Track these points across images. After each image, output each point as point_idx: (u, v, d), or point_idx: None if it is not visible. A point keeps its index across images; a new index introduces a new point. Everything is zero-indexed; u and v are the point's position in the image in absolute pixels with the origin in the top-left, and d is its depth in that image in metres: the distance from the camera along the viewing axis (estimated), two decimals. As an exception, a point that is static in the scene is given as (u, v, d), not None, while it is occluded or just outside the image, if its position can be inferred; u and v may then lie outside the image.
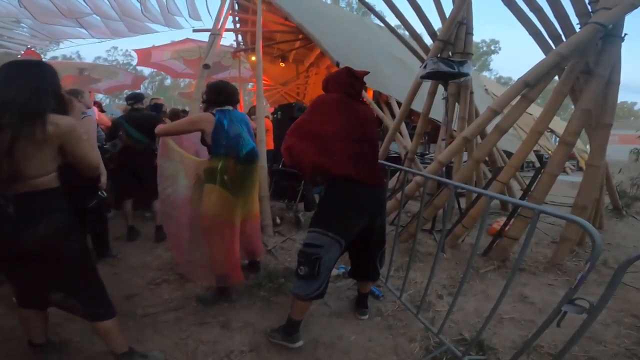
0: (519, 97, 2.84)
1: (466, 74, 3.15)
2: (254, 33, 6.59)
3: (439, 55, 3.58)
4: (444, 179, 2.29)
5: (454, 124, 3.85)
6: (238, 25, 8.16)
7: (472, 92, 3.72)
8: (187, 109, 6.25)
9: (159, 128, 2.16)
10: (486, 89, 9.91)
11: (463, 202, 4.01)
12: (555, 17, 3.05)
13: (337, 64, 5.56)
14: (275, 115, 5.66)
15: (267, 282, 2.40)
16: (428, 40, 4.39)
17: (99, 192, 2.78)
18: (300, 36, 7.42)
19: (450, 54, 3.73)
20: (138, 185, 3.30)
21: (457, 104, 3.78)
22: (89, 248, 1.61)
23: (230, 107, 2.16)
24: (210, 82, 2.27)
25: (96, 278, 1.46)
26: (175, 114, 4.66)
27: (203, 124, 2.04)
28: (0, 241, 1.22)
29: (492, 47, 36.25)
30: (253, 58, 8.55)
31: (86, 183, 2.61)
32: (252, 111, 4.77)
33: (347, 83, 1.78)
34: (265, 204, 3.54)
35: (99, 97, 11.40)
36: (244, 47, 8.74)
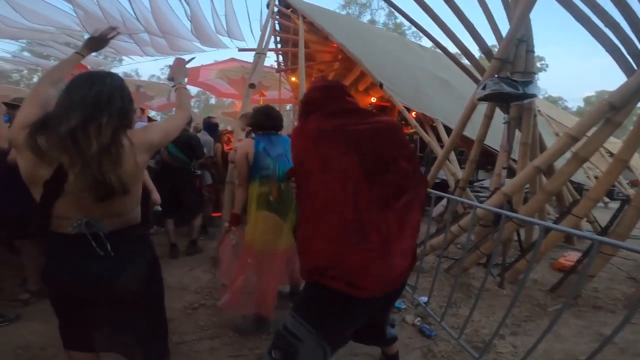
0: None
1: (533, 95, 2.84)
2: (294, 53, 6.68)
3: (496, 75, 3.31)
4: (534, 220, 2.02)
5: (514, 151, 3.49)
6: (279, 46, 8.38)
7: (535, 115, 3.35)
8: (229, 128, 6.42)
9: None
10: (539, 110, 9.21)
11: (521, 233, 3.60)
12: (634, 33, 2.73)
13: (381, 85, 5.41)
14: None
15: (308, 314, 2.24)
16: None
17: (155, 208, 2.82)
18: (340, 57, 7.43)
19: (508, 73, 3.44)
20: (178, 203, 3.30)
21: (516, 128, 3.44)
22: None
23: (274, 132, 2.18)
24: (257, 106, 2.34)
25: (165, 316, 1.34)
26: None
27: (249, 149, 2.10)
28: (88, 284, 1.08)
29: (539, 65, 34.21)
30: (293, 79, 8.70)
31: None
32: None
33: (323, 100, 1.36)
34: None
35: (152, 113, 12.20)
36: (284, 67, 8.95)
